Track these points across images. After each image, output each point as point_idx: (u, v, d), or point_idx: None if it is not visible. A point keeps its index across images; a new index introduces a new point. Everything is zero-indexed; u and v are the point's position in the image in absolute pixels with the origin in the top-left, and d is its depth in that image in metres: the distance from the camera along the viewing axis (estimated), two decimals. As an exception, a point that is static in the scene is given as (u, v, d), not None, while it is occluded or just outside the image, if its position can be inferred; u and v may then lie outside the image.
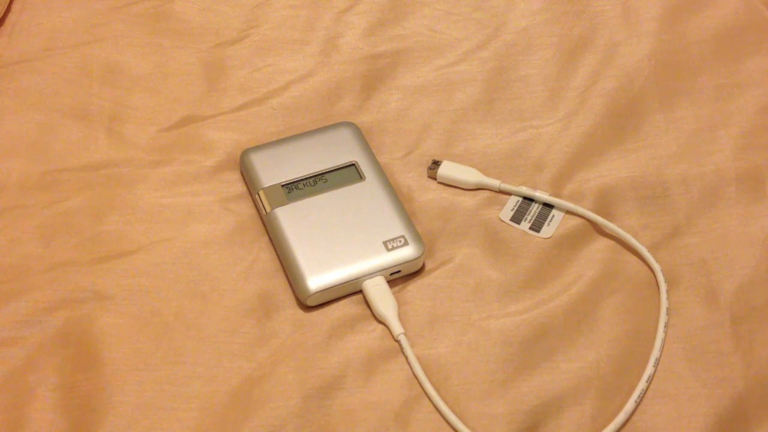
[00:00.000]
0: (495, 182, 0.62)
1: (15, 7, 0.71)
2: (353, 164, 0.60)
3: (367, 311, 0.55)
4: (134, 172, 0.62)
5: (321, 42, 0.70)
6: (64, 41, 0.69)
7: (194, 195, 0.61)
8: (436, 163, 0.63)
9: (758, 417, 0.51)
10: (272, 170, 0.60)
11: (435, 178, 0.63)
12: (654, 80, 0.67)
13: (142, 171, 0.62)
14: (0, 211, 0.60)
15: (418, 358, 0.53)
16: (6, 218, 0.59)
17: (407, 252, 0.56)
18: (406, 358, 0.53)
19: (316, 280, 0.55)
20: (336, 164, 0.60)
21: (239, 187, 0.61)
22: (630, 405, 0.51)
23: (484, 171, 0.62)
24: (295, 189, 0.59)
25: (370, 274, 0.55)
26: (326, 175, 0.60)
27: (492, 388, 0.52)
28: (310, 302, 0.55)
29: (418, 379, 0.52)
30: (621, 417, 0.50)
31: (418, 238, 0.57)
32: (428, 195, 0.61)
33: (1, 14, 0.70)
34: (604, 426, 0.50)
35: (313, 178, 0.59)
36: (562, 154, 0.63)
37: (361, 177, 0.60)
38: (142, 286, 0.56)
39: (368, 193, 0.59)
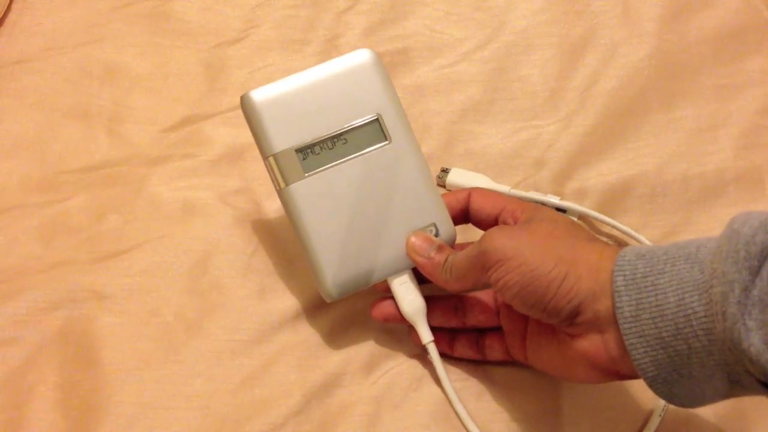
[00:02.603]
0: (505, 188, 0.61)
1: (15, 7, 0.71)
2: (376, 119, 0.53)
3: (368, 307, 0.55)
4: (134, 172, 0.62)
5: (321, 42, 0.70)
6: (64, 41, 0.69)
7: (193, 190, 0.61)
8: (444, 171, 0.62)
9: (758, 417, 0.51)
10: (283, 126, 0.52)
11: (444, 186, 0.62)
12: (654, 80, 0.67)
13: (142, 170, 0.62)
14: (0, 211, 0.60)
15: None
16: (6, 218, 0.59)
17: None
18: (435, 368, 0.51)
19: (339, 285, 0.52)
20: (356, 119, 0.53)
21: (238, 182, 0.61)
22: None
23: (485, 171, 0.62)
24: (311, 154, 0.52)
25: (398, 271, 0.52)
26: (346, 135, 0.52)
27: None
28: (330, 301, 0.53)
29: (446, 393, 0.51)
30: None
31: (449, 224, 0.53)
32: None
33: (1, 14, 0.70)
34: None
35: (331, 140, 0.52)
36: (563, 154, 0.63)
37: (385, 137, 0.53)
38: (142, 285, 0.56)
39: (394, 161, 0.53)
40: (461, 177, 0.62)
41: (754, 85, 0.67)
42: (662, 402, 0.51)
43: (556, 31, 0.70)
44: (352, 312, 0.55)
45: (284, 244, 0.58)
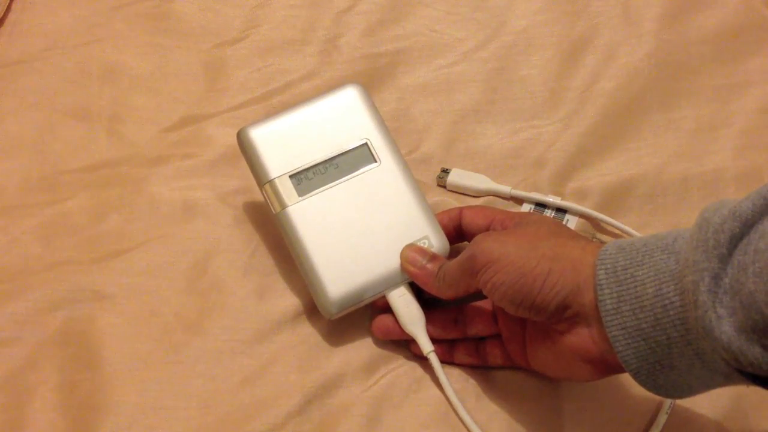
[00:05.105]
0: (506, 188, 0.61)
1: (15, 7, 0.71)
2: (365, 144, 0.56)
3: (368, 308, 0.55)
4: (134, 172, 0.62)
5: (321, 42, 0.70)
6: (64, 41, 0.69)
7: (193, 190, 0.61)
8: (445, 171, 0.62)
9: (758, 417, 0.51)
10: (277, 156, 0.55)
11: (444, 186, 0.62)
12: (654, 80, 0.67)
13: (142, 170, 0.62)
14: (0, 211, 0.60)
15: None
16: (6, 218, 0.59)
17: None
18: (438, 378, 0.51)
19: (338, 302, 0.52)
20: (347, 144, 0.55)
21: (237, 182, 0.61)
22: None
23: (485, 171, 0.62)
24: (304, 179, 0.54)
25: (395, 284, 0.53)
26: (337, 160, 0.55)
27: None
28: (330, 318, 0.53)
29: (449, 401, 0.51)
30: None
31: (441, 236, 0.54)
32: (431, 198, 0.61)
33: (1, 14, 0.70)
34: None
35: (323, 165, 0.55)
36: (563, 154, 0.63)
37: (374, 159, 0.55)
38: (142, 285, 0.56)
39: (384, 180, 0.55)
40: (461, 177, 0.62)
41: (754, 85, 0.67)
42: (668, 401, 0.51)
43: (556, 31, 0.70)
44: (351, 313, 0.55)
45: (284, 244, 0.58)
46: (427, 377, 0.53)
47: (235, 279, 0.57)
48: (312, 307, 0.55)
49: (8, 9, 0.71)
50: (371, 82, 0.68)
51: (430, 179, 0.63)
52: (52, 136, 0.64)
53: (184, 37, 0.70)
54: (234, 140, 0.63)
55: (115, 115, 0.65)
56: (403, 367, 0.53)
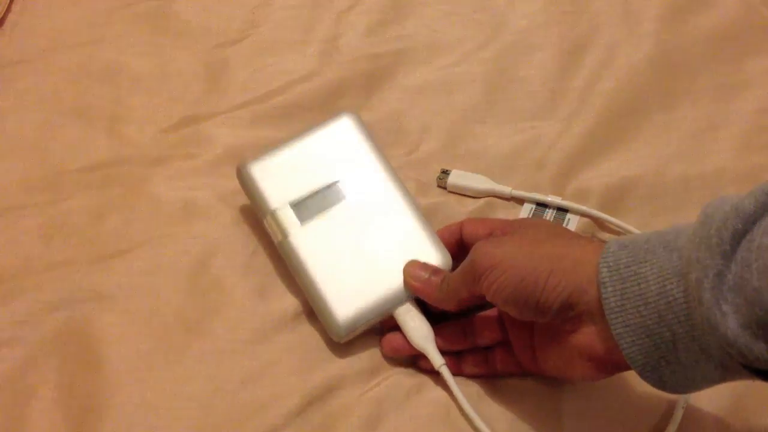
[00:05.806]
0: (506, 189, 0.61)
1: (15, 7, 0.71)
2: (362, 169, 0.57)
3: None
4: (134, 172, 0.62)
5: (321, 42, 0.70)
6: (64, 41, 0.69)
7: (193, 190, 0.61)
8: (445, 172, 0.62)
9: (758, 417, 0.51)
10: (277, 187, 0.56)
11: (444, 187, 0.62)
12: (654, 80, 0.67)
13: (142, 170, 0.62)
14: (0, 211, 0.60)
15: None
16: (6, 218, 0.59)
17: None
18: (451, 390, 0.51)
19: (347, 324, 0.52)
20: (344, 171, 0.57)
21: (237, 182, 0.61)
22: None
23: (485, 172, 0.62)
24: (305, 207, 0.55)
25: (401, 303, 0.53)
26: (335, 186, 0.56)
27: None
28: (340, 341, 0.53)
29: (464, 413, 0.51)
30: None
31: (443, 251, 0.55)
32: (431, 199, 0.61)
33: (1, 14, 0.70)
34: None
35: (323, 192, 0.56)
36: (563, 154, 0.63)
37: (372, 182, 0.57)
38: (142, 285, 0.56)
39: (383, 201, 0.56)
40: (462, 178, 0.62)
41: (754, 85, 0.67)
42: (682, 398, 0.51)
43: (556, 31, 0.70)
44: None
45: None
46: (427, 380, 0.53)
47: (235, 279, 0.56)
48: (312, 308, 0.55)
49: (8, 9, 0.71)
50: (371, 82, 0.68)
51: (430, 180, 0.63)
52: (52, 136, 0.64)
53: (184, 37, 0.70)
54: (234, 140, 0.63)
55: (115, 115, 0.66)
56: (404, 369, 0.53)
